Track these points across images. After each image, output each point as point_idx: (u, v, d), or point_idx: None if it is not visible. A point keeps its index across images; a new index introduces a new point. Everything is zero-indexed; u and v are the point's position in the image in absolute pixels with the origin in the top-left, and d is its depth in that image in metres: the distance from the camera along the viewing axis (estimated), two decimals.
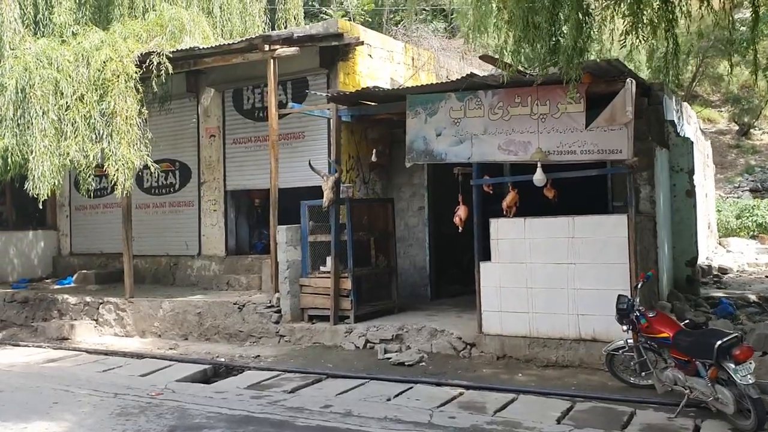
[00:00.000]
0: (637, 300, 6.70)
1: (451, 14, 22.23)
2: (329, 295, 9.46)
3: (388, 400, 6.94)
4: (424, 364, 8.27)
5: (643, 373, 6.79)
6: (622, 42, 6.67)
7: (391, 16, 22.13)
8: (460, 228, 8.73)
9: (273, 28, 13.17)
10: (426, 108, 8.65)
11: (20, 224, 14.66)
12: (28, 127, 9.51)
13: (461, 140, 8.40)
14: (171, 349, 9.82)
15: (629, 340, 6.78)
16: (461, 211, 8.69)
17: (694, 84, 26.67)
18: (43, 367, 9.00)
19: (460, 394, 7.06)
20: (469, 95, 8.36)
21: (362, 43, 11.07)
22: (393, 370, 8.07)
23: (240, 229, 12.59)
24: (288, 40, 10.06)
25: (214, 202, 12.44)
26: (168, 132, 12.55)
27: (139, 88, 10.11)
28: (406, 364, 8.24)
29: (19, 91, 9.52)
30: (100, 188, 12.34)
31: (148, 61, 10.04)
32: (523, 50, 6.72)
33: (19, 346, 10.35)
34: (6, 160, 9.55)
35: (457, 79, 8.42)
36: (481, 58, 7.73)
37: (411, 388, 7.33)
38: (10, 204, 14.75)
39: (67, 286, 12.90)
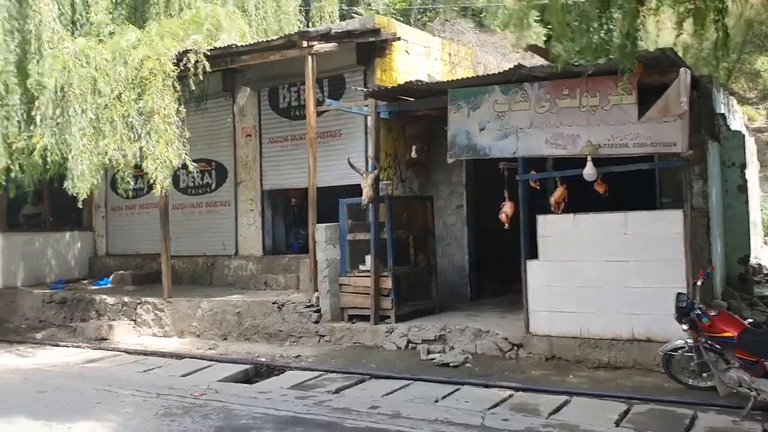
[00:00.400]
0: (697, 298, 6.42)
1: (480, 13, 21.96)
2: (369, 294, 9.29)
3: (436, 401, 6.74)
4: (469, 365, 8.05)
5: (704, 375, 6.50)
6: (677, 31, 6.44)
7: (419, 17, 21.91)
8: (507, 225, 8.49)
9: (308, 27, 13.04)
10: (469, 102, 8.43)
11: (57, 225, 14.71)
12: (67, 126, 9.48)
13: (506, 134, 8.16)
14: (210, 349, 9.72)
15: (688, 340, 6.49)
16: (507, 208, 8.45)
17: (731, 80, 26.02)
18: (83, 367, 8.95)
19: (510, 396, 6.84)
20: (515, 88, 8.13)
21: (399, 38, 10.89)
22: (437, 371, 7.86)
23: (276, 229, 12.48)
24: (326, 36, 9.92)
25: (251, 201, 12.35)
26: (204, 132, 12.48)
27: (177, 86, 10.03)
28: (450, 365, 8.03)
29: (58, 90, 9.49)
30: (137, 189, 12.30)
31: (185, 59, 9.96)
32: (575, 39, 6.50)
33: (58, 346, 10.33)
34: (45, 159, 9.53)
35: (502, 72, 8.20)
36: (528, 48, 7.51)
37: (458, 389, 7.12)
38: (47, 205, 14.81)
39: (104, 286, 12.90)
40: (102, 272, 13.89)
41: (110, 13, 11.10)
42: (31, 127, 9.57)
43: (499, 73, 8.27)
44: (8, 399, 7.22)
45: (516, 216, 8.26)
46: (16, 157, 9.78)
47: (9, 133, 9.68)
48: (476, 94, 8.39)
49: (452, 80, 9.23)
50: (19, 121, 9.73)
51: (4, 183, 10.13)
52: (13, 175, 10.07)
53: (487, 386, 7.16)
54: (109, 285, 12.93)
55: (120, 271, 13.12)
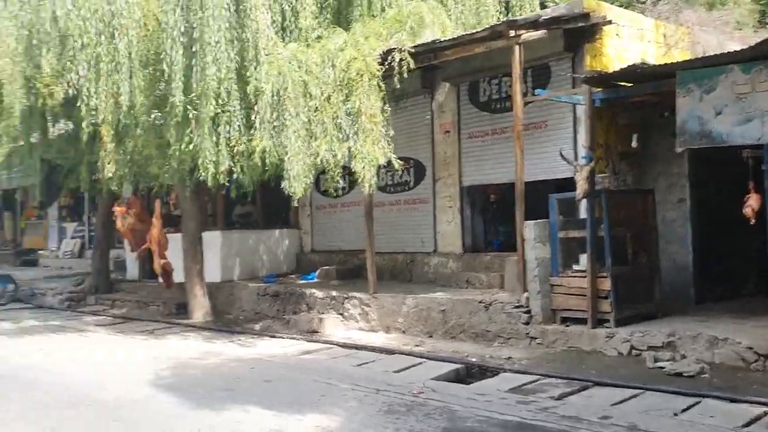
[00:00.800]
0: None
1: None
2: (585, 295, 8.75)
3: (676, 414, 6.13)
4: (706, 376, 7.25)
5: None
6: None
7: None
8: (752, 220, 7.57)
9: (507, 17, 12.64)
10: (701, 84, 7.61)
11: (267, 224, 15.68)
12: (282, 129, 9.90)
13: (748, 118, 7.25)
14: (417, 345, 9.70)
15: None
16: (753, 201, 7.53)
17: None
18: (300, 358, 9.29)
19: (765, 413, 6.03)
20: (758, 66, 7.19)
21: (610, 22, 10.15)
22: (669, 381, 7.16)
23: (476, 226, 12.26)
24: (533, 24, 9.51)
25: (450, 198, 12.23)
26: (402, 130, 12.49)
27: (381, 86, 10.11)
28: (684, 374, 7.29)
29: (274, 94, 9.93)
30: (340, 188, 12.64)
31: (389, 58, 10.02)
32: None
33: (275, 337, 10.85)
34: (264, 161, 10.01)
35: (744, 49, 7.30)
36: None
37: (698, 402, 6.42)
38: (260, 205, 15.84)
39: (311, 281, 13.43)
40: (308, 267, 14.50)
41: (316, 18, 11.46)
42: (252, 131, 10.11)
43: (738, 51, 7.37)
44: (238, 387, 7.63)
45: (762, 210, 7.33)
46: (238, 160, 10.37)
47: (231, 137, 10.28)
48: (710, 75, 7.55)
49: (682, 61, 8.41)
50: (239, 126, 10.29)
51: (227, 184, 10.82)
52: (234, 176, 10.71)
53: (733, 400, 6.39)
54: (316, 279, 13.44)
55: (325, 267, 13.61)
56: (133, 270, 16.64)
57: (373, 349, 9.58)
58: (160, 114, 11.30)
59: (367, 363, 8.80)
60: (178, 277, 13.60)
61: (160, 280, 14.06)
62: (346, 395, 7.11)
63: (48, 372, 8.74)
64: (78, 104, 10.79)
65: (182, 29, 10.12)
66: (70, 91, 11.06)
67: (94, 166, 12.99)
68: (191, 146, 10.36)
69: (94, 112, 10.86)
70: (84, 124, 10.83)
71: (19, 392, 7.70)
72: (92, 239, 19.82)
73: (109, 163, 11.35)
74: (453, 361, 8.67)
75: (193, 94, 10.20)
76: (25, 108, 11.97)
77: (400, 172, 12.54)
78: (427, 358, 8.88)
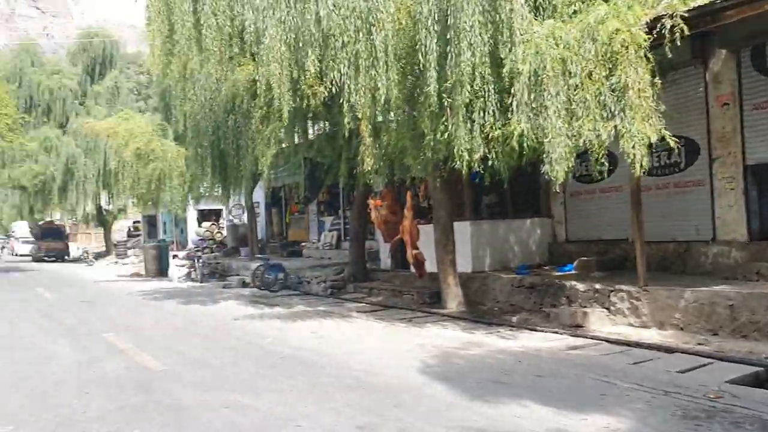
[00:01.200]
0: None
1: None
2: None
3: None
4: None
5: None
6: None
7: None
8: None
9: None
10: None
11: (516, 213, 15.29)
12: (540, 111, 9.41)
13: None
14: (700, 344, 8.66)
15: None
16: None
17: None
18: (568, 353, 8.75)
19: None
20: None
21: None
22: None
23: (764, 210, 10.70)
24: None
25: (730, 179, 10.83)
26: (670, 105, 11.25)
27: (650, 57, 9.18)
28: None
29: (531, 74, 9.48)
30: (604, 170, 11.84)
31: (658, 26, 9.06)
32: None
33: (535, 330, 10.40)
34: (521, 146, 9.61)
35: None
36: None
37: None
38: (509, 194, 15.49)
39: (567, 272, 12.76)
40: (562, 258, 13.85)
41: None
42: (507, 115, 9.76)
43: None
44: (510, 380, 7.33)
45: None
46: (493, 146, 10.08)
47: (485, 123, 10.03)
48: None
49: None
50: (493, 111, 10.00)
51: (482, 171, 10.59)
52: (489, 163, 10.44)
53: None
54: (573, 271, 12.74)
55: (583, 258, 12.84)
56: (386, 260, 17.24)
57: (648, 347, 8.73)
58: (408, 106, 11.41)
59: (643, 361, 8.01)
60: (430, 267, 13.76)
61: (413, 269, 14.37)
62: (629, 395, 6.47)
63: (323, 354, 9.20)
64: (340, 101, 11.26)
65: (435, 18, 10.06)
66: (333, 89, 11.53)
67: (351, 162, 13.58)
68: (445, 135, 10.28)
69: (353, 109, 11.27)
70: (345, 121, 11.26)
71: (301, 373, 8.15)
72: (347, 231, 21.02)
73: (367, 158, 11.70)
74: (749, 362, 7.58)
75: (448, 83, 10.11)
76: (290, 110, 12.79)
77: (667, 153, 11.42)
78: (716, 358, 7.87)
